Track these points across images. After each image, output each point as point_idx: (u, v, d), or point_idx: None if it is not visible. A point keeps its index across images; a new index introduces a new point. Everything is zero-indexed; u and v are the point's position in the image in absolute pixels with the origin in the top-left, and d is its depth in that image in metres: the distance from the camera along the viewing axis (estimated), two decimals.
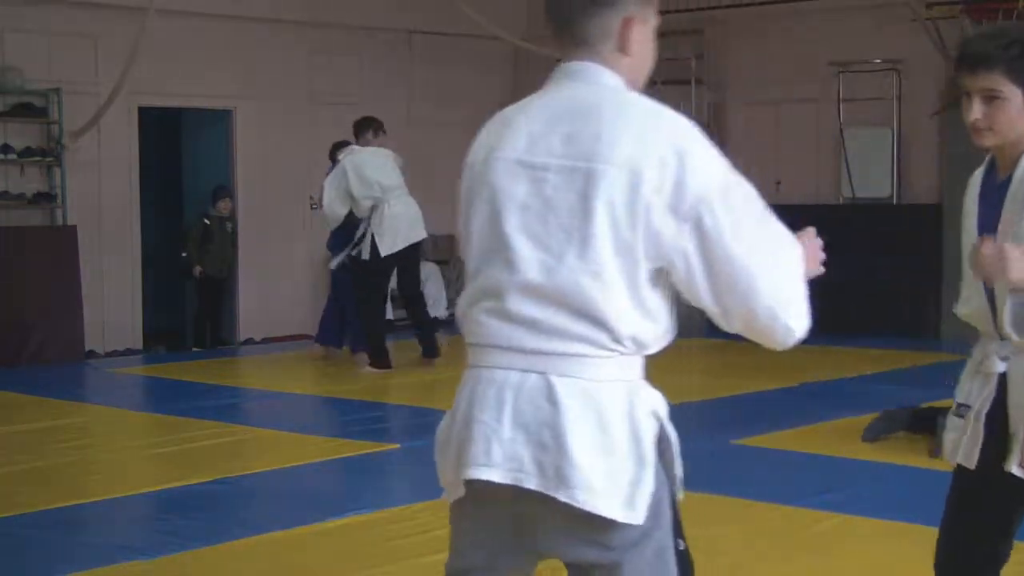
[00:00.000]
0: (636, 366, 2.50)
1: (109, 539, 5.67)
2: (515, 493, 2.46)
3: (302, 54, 13.42)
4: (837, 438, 7.58)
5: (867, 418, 8.23)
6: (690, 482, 2.65)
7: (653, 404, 2.52)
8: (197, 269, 12.60)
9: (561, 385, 2.43)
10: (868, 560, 5.23)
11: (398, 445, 7.63)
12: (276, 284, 13.29)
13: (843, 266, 12.06)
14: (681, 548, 2.55)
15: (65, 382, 10.38)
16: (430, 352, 10.77)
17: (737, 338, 2.52)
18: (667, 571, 2.50)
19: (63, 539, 5.68)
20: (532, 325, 2.45)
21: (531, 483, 2.44)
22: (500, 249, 2.49)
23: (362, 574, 5.10)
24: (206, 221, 12.65)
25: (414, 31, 14.23)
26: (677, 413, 2.58)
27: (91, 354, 11.88)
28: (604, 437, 2.43)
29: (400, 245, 10.48)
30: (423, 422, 8.61)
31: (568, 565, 2.55)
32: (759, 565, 5.13)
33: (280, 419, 8.57)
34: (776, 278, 2.44)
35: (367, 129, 10.92)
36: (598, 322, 2.42)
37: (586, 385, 2.44)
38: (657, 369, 2.64)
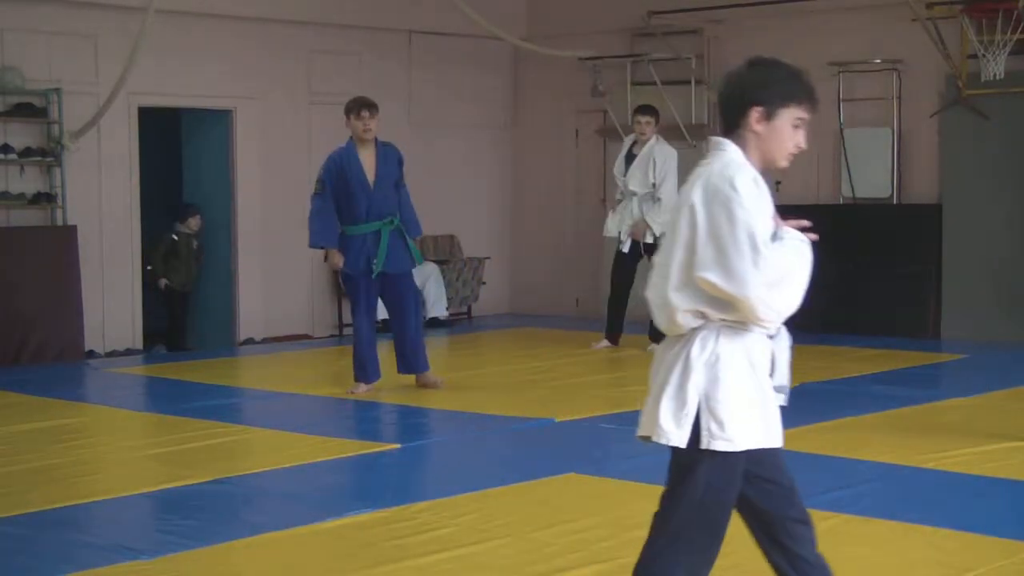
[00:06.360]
0: None
1: (109, 539, 5.67)
2: None
3: (302, 54, 13.41)
4: (837, 438, 7.57)
5: (867, 418, 8.23)
6: None
7: None
8: (163, 281, 12.68)
9: None
10: (868, 560, 5.22)
11: (398, 445, 7.63)
12: (276, 284, 13.29)
13: (843, 266, 12.15)
14: None
15: (65, 382, 10.37)
16: None
17: None
18: None
19: (63, 539, 5.68)
20: None
21: None
22: None
23: (362, 574, 5.10)
24: (174, 237, 12.70)
25: (414, 31, 14.23)
26: None
27: (91, 354, 11.88)
28: None
29: None
30: (423, 422, 8.62)
31: None
32: (759, 565, 5.11)
33: (280, 419, 8.56)
34: None
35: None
36: None
37: None
38: None
